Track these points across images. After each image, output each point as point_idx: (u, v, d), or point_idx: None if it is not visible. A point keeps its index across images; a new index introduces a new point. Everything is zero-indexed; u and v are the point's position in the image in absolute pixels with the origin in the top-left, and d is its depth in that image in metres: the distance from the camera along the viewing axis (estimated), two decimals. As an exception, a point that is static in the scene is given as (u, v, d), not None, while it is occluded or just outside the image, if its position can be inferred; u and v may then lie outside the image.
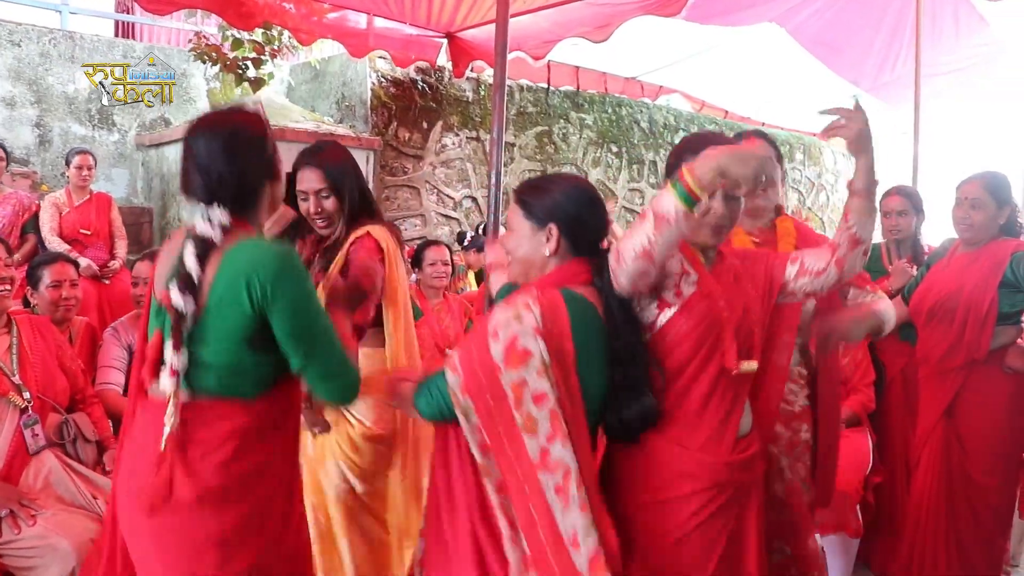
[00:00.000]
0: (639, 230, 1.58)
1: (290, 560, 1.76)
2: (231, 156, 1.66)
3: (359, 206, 2.34)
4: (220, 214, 1.64)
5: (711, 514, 1.69)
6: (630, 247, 1.58)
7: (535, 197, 1.71)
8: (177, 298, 1.58)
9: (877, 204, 1.89)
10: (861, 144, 1.76)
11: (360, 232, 2.27)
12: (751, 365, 1.75)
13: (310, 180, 2.28)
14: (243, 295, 1.58)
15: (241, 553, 1.63)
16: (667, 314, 1.70)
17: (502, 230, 2.43)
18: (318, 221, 2.30)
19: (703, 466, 1.68)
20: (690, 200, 1.52)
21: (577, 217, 1.69)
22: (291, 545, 1.76)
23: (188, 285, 1.59)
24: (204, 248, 1.62)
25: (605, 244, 1.73)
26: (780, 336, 2.09)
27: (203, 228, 1.63)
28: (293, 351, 1.63)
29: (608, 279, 1.65)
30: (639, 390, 1.64)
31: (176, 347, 1.59)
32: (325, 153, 2.34)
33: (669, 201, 1.53)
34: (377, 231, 2.30)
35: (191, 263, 1.60)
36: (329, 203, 2.28)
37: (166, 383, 1.59)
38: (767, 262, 1.93)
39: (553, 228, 1.67)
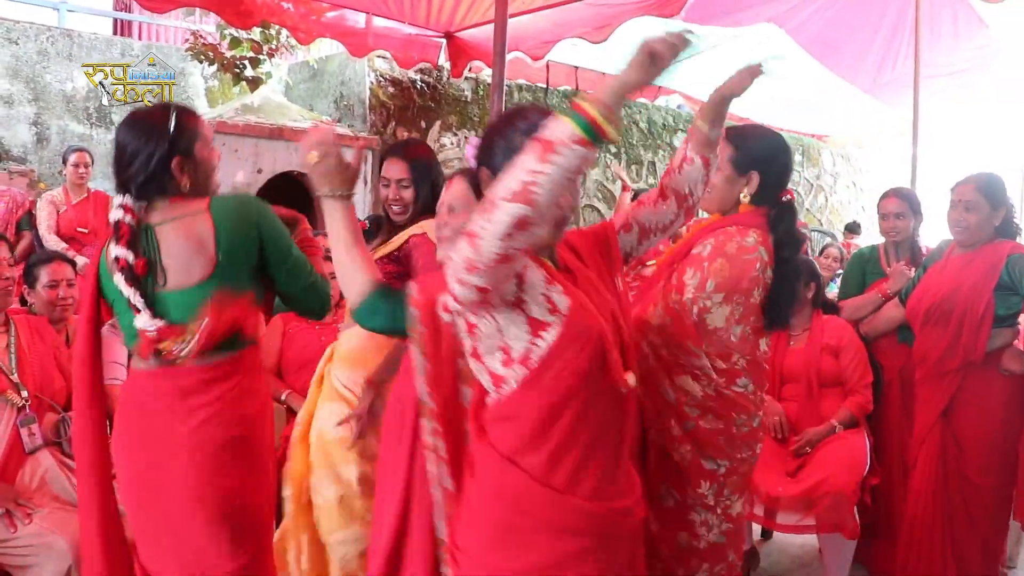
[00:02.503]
0: (513, 169, 1.16)
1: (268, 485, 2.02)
2: (130, 144, 1.88)
3: (430, 201, 2.44)
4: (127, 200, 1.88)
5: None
6: (498, 192, 1.16)
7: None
8: (123, 252, 1.85)
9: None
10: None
11: (416, 230, 2.37)
12: (632, 378, 1.43)
13: (394, 170, 2.46)
14: (246, 225, 1.90)
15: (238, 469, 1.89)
16: (548, 337, 1.32)
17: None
18: (394, 207, 2.46)
19: (593, 518, 1.38)
20: (590, 129, 1.13)
21: None
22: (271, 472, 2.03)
23: (131, 244, 1.86)
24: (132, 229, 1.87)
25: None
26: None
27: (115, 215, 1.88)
28: (279, 267, 1.95)
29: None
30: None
31: (143, 301, 1.86)
32: (411, 148, 2.55)
33: (561, 127, 1.15)
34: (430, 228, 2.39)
35: (122, 251, 1.85)
36: (408, 193, 2.44)
37: (144, 322, 1.85)
38: (602, 239, 1.65)
39: None
